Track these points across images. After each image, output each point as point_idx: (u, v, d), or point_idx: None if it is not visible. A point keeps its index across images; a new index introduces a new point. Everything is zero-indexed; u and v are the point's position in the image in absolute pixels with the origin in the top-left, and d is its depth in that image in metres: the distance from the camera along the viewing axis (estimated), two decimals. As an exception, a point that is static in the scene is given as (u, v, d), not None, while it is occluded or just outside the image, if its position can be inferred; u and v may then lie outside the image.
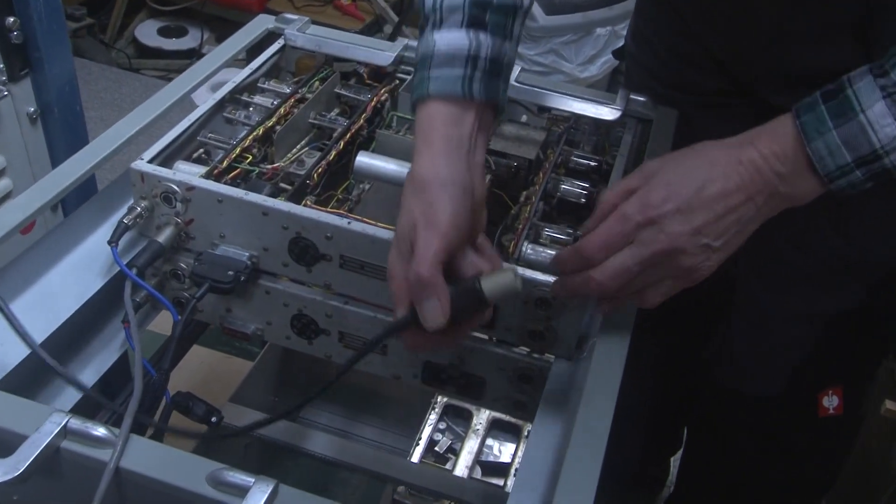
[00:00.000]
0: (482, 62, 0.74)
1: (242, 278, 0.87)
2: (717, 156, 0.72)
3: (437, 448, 1.36)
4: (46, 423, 0.65)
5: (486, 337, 0.86)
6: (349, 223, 0.83)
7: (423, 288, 0.67)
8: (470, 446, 1.36)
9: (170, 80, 3.14)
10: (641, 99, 1.06)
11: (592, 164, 1.01)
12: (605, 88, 3.02)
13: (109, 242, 0.85)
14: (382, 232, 0.82)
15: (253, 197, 0.85)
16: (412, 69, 1.02)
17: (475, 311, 0.71)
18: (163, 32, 3.34)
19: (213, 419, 0.93)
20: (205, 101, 1.00)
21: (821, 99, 0.71)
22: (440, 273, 0.67)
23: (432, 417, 1.39)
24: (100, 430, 0.66)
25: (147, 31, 3.33)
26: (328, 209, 0.86)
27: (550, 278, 0.79)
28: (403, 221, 0.70)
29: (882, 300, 1.01)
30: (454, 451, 1.37)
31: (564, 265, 0.76)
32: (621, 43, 2.84)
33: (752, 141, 0.72)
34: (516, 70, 1.06)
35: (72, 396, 0.84)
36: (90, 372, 0.88)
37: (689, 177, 0.71)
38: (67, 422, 0.66)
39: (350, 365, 0.79)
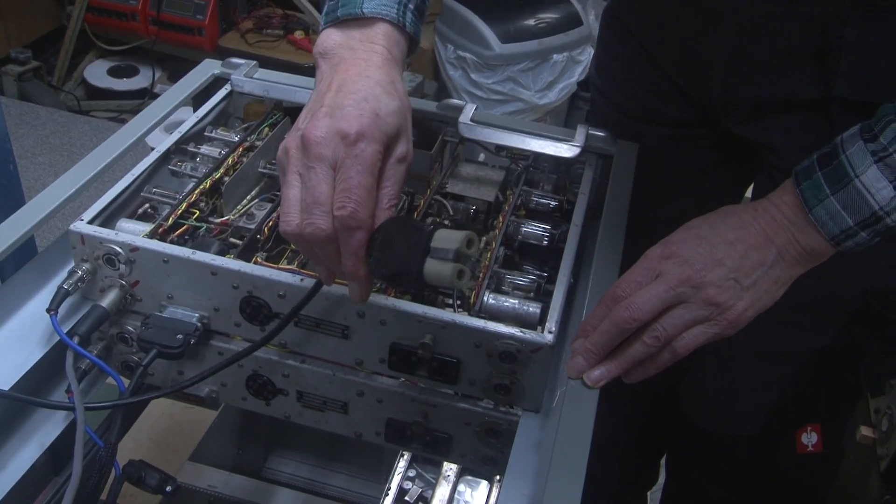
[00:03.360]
0: None
1: (192, 341, 0.83)
2: (732, 208, 0.77)
3: (407, 497, 1.31)
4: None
5: (450, 392, 0.83)
6: (302, 280, 0.79)
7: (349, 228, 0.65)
8: (441, 494, 1.31)
9: (122, 121, 3.11)
10: (601, 134, 1.03)
11: (553, 203, 0.98)
12: (564, 114, 3.02)
13: (48, 311, 0.80)
14: (337, 288, 0.78)
15: (200, 256, 0.81)
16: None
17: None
18: (113, 73, 3.28)
19: (168, 488, 0.89)
20: (160, 143, 0.97)
21: (817, 165, 0.72)
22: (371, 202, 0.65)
23: (401, 465, 1.35)
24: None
25: (96, 72, 3.27)
26: (280, 266, 0.82)
27: (514, 330, 0.76)
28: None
29: (852, 339, 1.00)
30: (425, 500, 1.32)
31: (591, 320, 0.75)
32: (579, 68, 2.88)
33: (763, 198, 0.76)
34: (471, 109, 1.04)
35: (13, 475, 0.80)
36: (34, 445, 0.84)
37: (706, 221, 0.76)
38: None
39: (275, 332, 0.80)
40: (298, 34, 3.18)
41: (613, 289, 0.74)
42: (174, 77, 3.29)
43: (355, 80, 0.70)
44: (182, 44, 3.20)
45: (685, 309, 0.72)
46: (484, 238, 0.91)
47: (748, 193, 1.17)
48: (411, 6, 0.76)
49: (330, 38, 0.75)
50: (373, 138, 0.66)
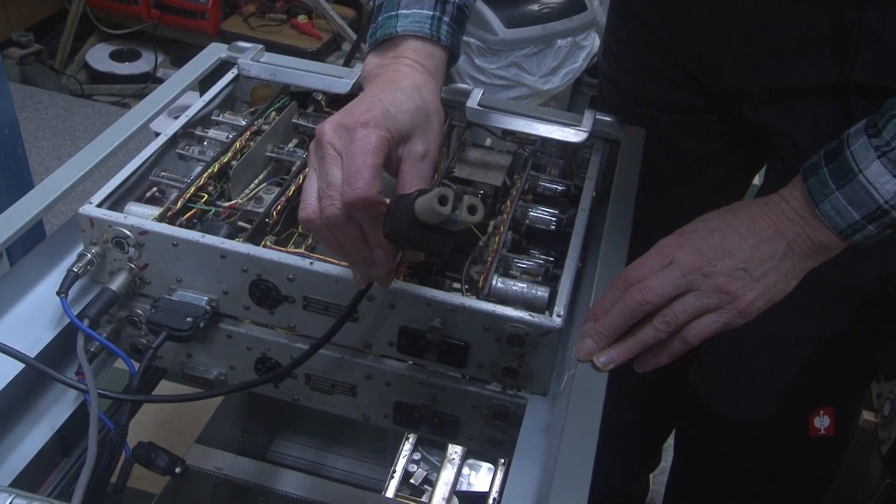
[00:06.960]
0: (450, 7, 0.78)
1: (202, 324, 0.83)
2: (745, 202, 0.79)
3: (412, 480, 1.33)
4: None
5: (458, 375, 0.83)
6: (311, 263, 0.79)
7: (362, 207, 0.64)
8: (446, 476, 1.32)
9: (124, 105, 3.10)
10: (608, 119, 1.03)
11: (560, 188, 0.98)
12: (567, 99, 3.01)
13: (58, 293, 0.81)
14: (346, 271, 0.78)
15: (209, 239, 0.81)
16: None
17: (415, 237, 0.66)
18: (115, 56, 3.27)
19: (177, 470, 0.89)
20: (165, 128, 0.97)
21: (823, 161, 0.74)
22: (378, 181, 0.65)
23: (406, 448, 1.36)
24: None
25: (99, 56, 3.26)
26: (289, 249, 0.82)
27: (522, 314, 0.76)
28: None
29: (866, 324, 1.00)
30: (430, 482, 1.33)
31: (601, 304, 0.76)
32: (583, 54, 2.87)
33: (774, 192, 0.77)
34: (478, 93, 1.04)
35: (24, 456, 0.80)
36: (44, 427, 0.84)
37: (719, 214, 0.78)
38: (12, 502, 0.61)
39: (325, 341, 0.79)
40: (301, 18, 3.17)
41: (625, 273, 0.75)
42: (177, 61, 3.28)
43: (381, 87, 0.72)
44: (184, 28, 3.19)
45: (695, 296, 0.73)
46: (492, 223, 0.91)
47: (756, 181, 1.17)
48: (446, 19, 0.78)
49: (370, 62, 0.79)
50: (377, 126, 0.66)
